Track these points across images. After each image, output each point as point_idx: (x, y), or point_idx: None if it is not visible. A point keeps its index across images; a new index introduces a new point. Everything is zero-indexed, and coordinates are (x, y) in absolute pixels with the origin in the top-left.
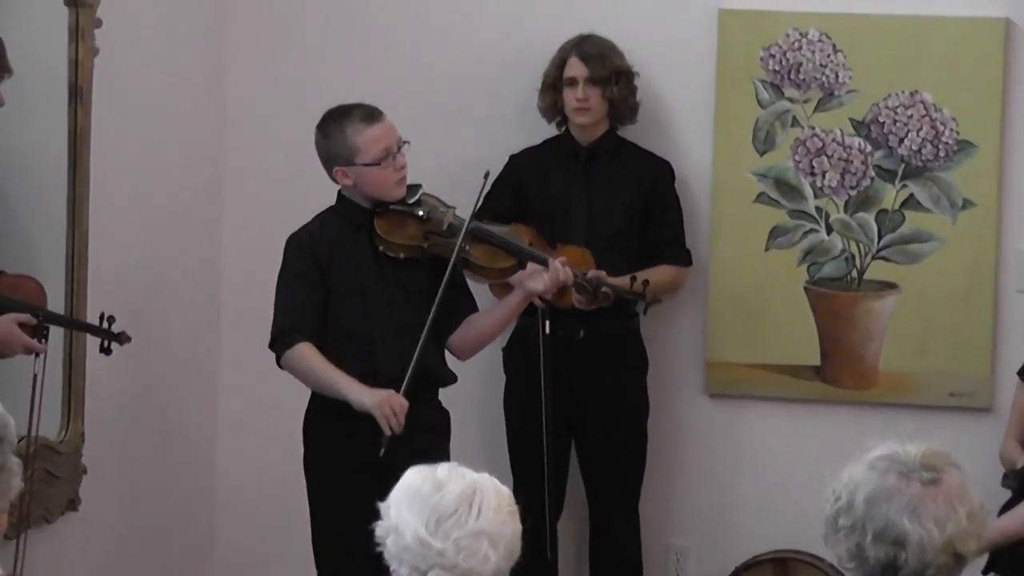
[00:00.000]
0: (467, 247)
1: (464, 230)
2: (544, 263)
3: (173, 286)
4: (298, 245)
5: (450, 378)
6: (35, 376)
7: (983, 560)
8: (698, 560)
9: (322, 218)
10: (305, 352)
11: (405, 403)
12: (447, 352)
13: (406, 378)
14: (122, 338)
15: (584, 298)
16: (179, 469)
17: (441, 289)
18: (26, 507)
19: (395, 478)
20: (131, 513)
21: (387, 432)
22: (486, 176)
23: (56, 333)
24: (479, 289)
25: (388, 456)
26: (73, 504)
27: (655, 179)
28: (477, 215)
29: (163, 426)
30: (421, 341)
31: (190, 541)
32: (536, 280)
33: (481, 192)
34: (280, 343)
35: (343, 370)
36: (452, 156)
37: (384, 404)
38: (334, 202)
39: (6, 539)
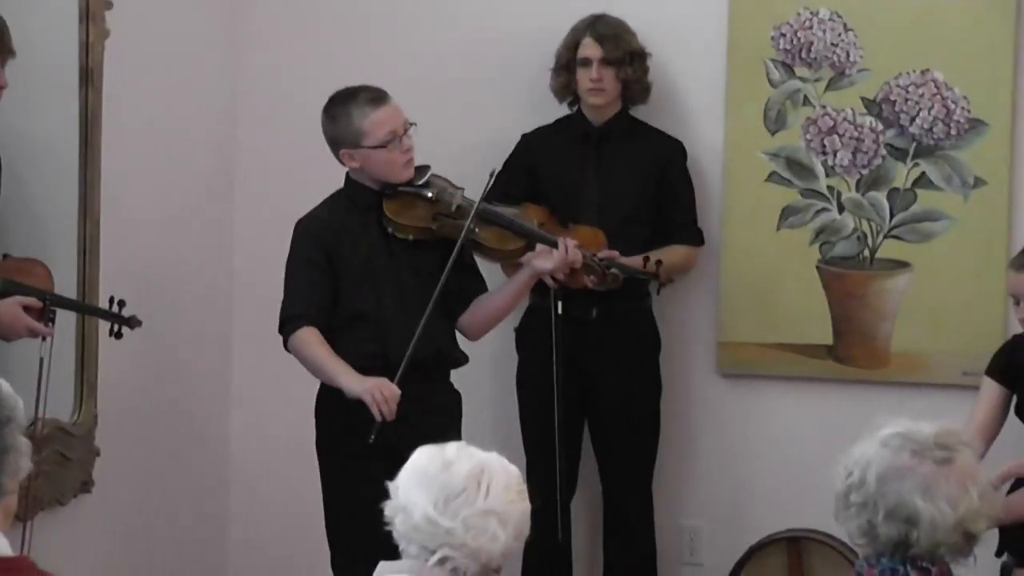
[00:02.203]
0: (476, 229)
1: (473, 212)
2: (554, 244)
3: (185, 269)
4: (305, 230)
5: (462, 359)
6: (41, 360)
7: (994, 543)
8: (711, 540)
9: (330, 202)
10: (306, 337)
11: (396, 390)
12: (458, 333)
13: (402, 365)
14: (132, 322)
15: (594, 278)
16: (192, 451)
17: (446, 271)
18: (36, 489)
19: (406, 459)
20: (144, 495)
21: (377, 418)
22: (492, 175)
23: (69, 316)
24: (489, 268)
25: (389, 439)
26: (86, 486)
27: (667, 159)
28: (487, 197)
29: (176, 408)
30: (420, 326)
31: (203, 522)
32: (544, 258)
33: (487, 186)
34: (285, 328)
35: (356, 353)
36: (465, 136)
37: (375, 390)
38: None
39: (17, 520)
